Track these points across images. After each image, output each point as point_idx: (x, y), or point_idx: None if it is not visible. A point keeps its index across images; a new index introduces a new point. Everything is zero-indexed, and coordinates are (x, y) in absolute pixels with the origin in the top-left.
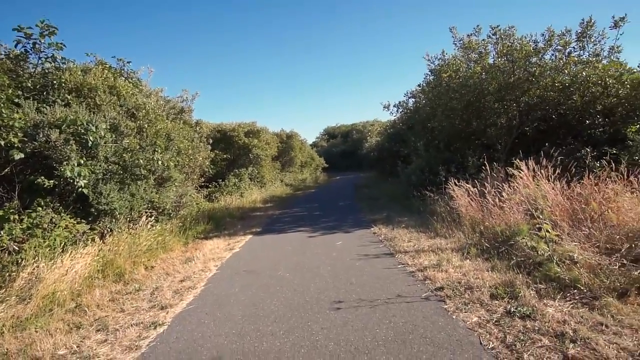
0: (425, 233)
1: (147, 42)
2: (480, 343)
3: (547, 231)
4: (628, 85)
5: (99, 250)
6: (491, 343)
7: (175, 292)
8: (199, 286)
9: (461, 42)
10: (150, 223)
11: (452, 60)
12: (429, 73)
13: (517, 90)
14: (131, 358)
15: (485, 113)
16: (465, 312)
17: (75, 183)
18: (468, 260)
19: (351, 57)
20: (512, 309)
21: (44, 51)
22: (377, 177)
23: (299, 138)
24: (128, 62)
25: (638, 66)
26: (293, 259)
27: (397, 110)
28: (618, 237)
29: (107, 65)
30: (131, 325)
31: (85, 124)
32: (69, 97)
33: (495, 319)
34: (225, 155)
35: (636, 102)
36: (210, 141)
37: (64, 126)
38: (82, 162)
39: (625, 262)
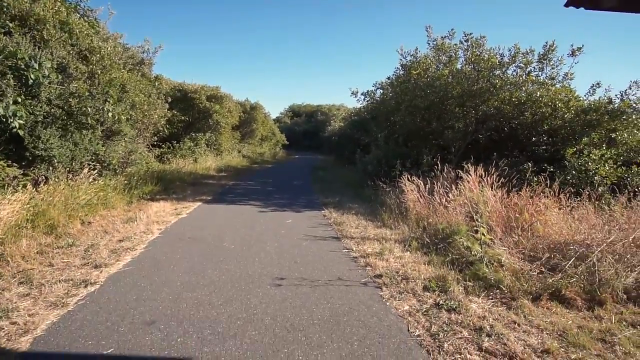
0: (373, 222)
1: None
2: (408, 330)
3: (483, 234)
4: (573, 111)
5: (30, 199)
6: (417, 331)
7: (113, 251)
8: (138, 248)
9: (434, 42)
10: (92, 177)
11: (424, 59)
12: (400, 67)
13: (477, 99)
14: (55, 315)
15: (446, 115)
16: (398, 300)
17: (9, 122)
18: (409, 252)
19: (328, 38)
20: (441, 302)
21: None
22: (335, 162)
23: (262, 111)
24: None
25: (584, 95)
26: (241, 231)
27: (363, 99)
28: (541, 246)
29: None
30: (59, 282)
31: (27, 58)
32: (10, 24)
33: (424, 309)
34: (183, 117)
35: (577, 127)
36: (169, 100)
37: (0, 57)
38: (19, 100)
39: (543, 269)
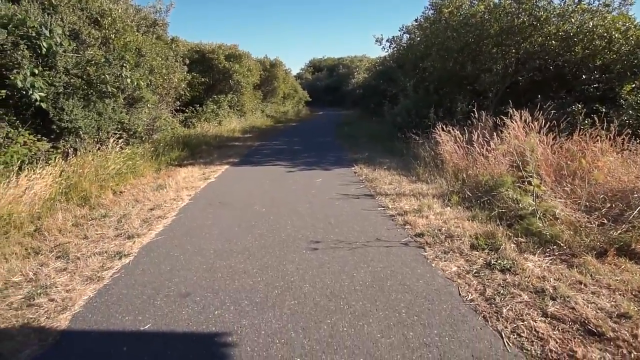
0: (407, 177)
1: None
2: (459, 294)
3: (537, 186)
4: (632, 41)
5: (61, 172)
6: (470, 295)
7: (144, 220)
8: (169, 216)
9: None
10: (119, 146)
11: None
12: (429, 6)
13: (518, 36)
14: (92, 290)
15: (482, 57)
16: (444, 260)
17: (30, 95)
18: (449, 207)
19: None
20: (492, 261)
21: None
22: (360, 115)
23: (283, 68)
24: None
25: None
26: (270, 193)
27: (389, 46)
28: (601, 196)
29: None
30: (94, 254)
31: (37, 26)
32: None
33: (474, 270)
34: (203, 79)
35: (636, 60)
36: (187, 62)
37: (10, 26)
38: (36, 72)
39: (605, 221)
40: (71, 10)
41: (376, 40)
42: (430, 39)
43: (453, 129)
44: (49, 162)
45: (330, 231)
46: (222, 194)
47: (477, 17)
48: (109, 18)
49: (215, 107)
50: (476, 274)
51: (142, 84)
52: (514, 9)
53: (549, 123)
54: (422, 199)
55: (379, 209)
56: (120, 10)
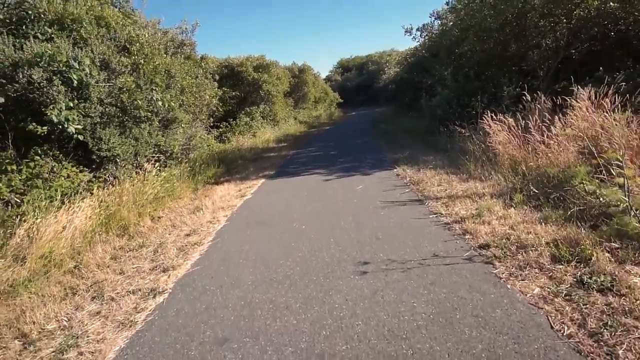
0: (456, 175)
1: None
2: (551, 327)
3: (631, 178)
4: None
5: (100, 202)
6: (566, 328)
7: (180, 249)
8: (205, 241)
9: None
10: (157, 169)
11: None
12: None
13: (569, 3)
14: (124, 338)
15: (527, 33)
16: (522, 279)
17: (66, 128)
18: (513, 208)
19: None
20: (585, 278)
21: None
22: (395, 112)
23: (311, 72)
24: None
25: None
26: (309, 206)
27: (420, 35)
28: None
29: None
30: (129, 293)
31: (66, 59)
32: (49, 30)
33: (564, 292)
34: (234, 93)
35: None
36: (217, 77)
37: (42, 63)
38: (71, 105)
39: None
40: (100, 41)
41: (406, 31)
42: (465, 21)
43: (503, 116)
44: (91, 192)
45: (379, 248)
46: (259, 212)
47: None
48: (137, 44)
49: (248, 119)
50: (568, 297)
51: (174, 104)
52: None
53: (620, 98)
54: (479, 200)
55: (431, 216)
56: (147, 35)
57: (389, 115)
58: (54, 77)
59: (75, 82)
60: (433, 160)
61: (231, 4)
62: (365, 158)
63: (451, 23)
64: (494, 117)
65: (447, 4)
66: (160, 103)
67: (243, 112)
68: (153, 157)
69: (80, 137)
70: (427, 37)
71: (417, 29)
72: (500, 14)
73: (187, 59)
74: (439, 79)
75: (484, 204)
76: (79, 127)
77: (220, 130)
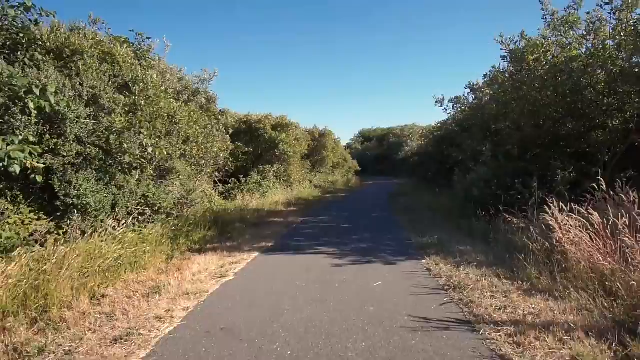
0: (512, 281)
1: (169, 20)
2: None
3: None
4: None
5: (22, 267)
6: None
7: None
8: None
9: (553, 17)
10: (138, 224)
11: (540, 40)
12: (507, 56)
13: None
14: None
15: (589, 110)
16: None
17: (8, 166)
18: None
19: (391, 57)
20: None
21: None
22: (416, 185)
23: (332, 137)
24: (147, 38)
25: None
26: (306, 311)
27: (452, 107)
28: None
29: (122, 39)
30: None
31: (27, 84)
32: (40, 57)
33: None
34: (247, 149)
35: None
36: (230, 131)
37: None
38: (31, 138)
39: None
40: (96, 75)
41: (436, 101)
42: (509, 94)
43: (582, 208)
44: (45, 245)
45: None
46: (233, 310)
47: (578, 62)
48: (141, 83)
49: (259, 177)
50: None
51: (166, 152)
52: (631, 47)
53: None
54: (566, 337)
55: None
56: (154, 76)
57: (410, 188)
58: (11, 104)
59: (34, 111)
60: (472, 253)
61: (258, 62)
62: (384, 238)
63: (487, 97)
64: (559, 206)
65: (485, 76)
66: (150, 149)
67: (255, 169)
68: (137, 209)
69: (39, 179)
70: (459, 109)
71: (449, 100)
72: (556, 87)
73: (204, 109)
74: (472, 154)
75: (580, 349)
76: (40, 165)
77: (229, 186)
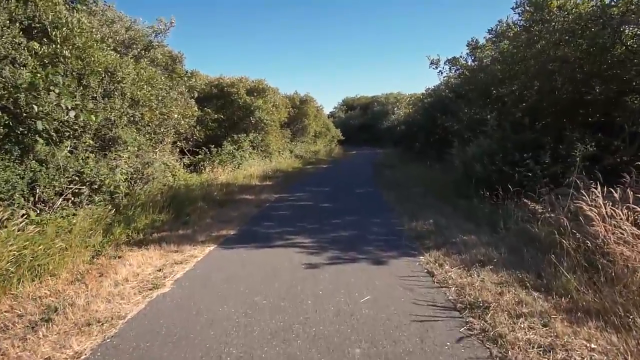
0: (543, 292)
1: None
2: None
3: None
4: None
5: None
6: None
7: None
8: None
9: None
10: (70, 207)
11: None
12: (523, 3)
13: None
14: None
15: (623, 71)
16: None
17: None
18: None
19: (376, 24)
20: None
21: None
22: (403, 156)
23: (314, 104)
24: None
25: None
26: (262, 347)
27: (449, 69)
28: None
29: None
30: None
31: None
32: None
33: None
34: (217, 116)
35: None
36: (195, 95)
37: None
38: None
39: None
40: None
41: (431, 63)
42: (521, 51)
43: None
44: None
45: None
46: (156, 344)
47: (619, 7)
48: (64, 29)
49: (233, 147)
50: None
51: (101, 118)
52: None
53: None
54: None
55: None
56: (84, 21)
57: (396, 159)
58: None
59: None
60: (479, 245)
61: (236, 24)
62: (371, 223)
63: (489, 59)
64: (595, 190)
65: (490, 31)
66: (72, 113)
67: (229, 139)
68: (70, 189)
69: None
70: (457, 73)
71: (446, 62)
72: (584, 40)
73: (167, 70)
74: (469, 123)
75: None
76: None
77: (199, 157)
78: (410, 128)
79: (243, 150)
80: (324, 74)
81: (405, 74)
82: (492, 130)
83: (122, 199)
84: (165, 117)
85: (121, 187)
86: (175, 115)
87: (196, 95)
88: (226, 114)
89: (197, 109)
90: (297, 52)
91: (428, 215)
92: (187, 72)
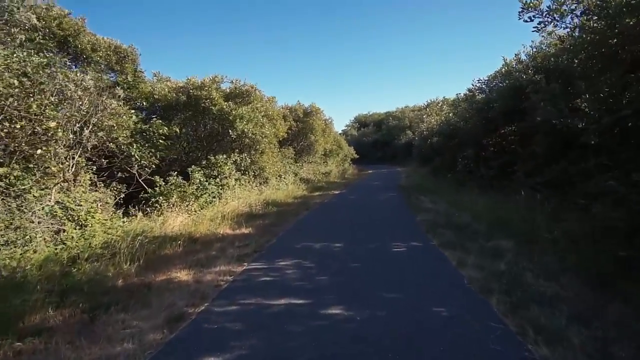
0: None
1: None
2: None
3: None
4: None
5: None
6: None
7: None
8: None
9: None
10: None
11: None
12: None
13: None
14: None
15: None
16: None
17: None
18: None
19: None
20: None
21: None
22: (435, 177)
23: (321, 116)
24: None
25: None
26: None
27: (563, 14)
28: None
29: None
30: None
31: None
32: None
33: None
34: (174, 129)
35: None
36: (144, 103)
37: None
38: None
39: None
40: None
41: (523, 9)
42: None
43: None
44: None
45: None
46: None
47: None
48: None
49: (201, 176)
50: None
51: None
52: None
53: None
54: None
55: None
56: None
57: (428, 181)
58: None
59: None
60: None
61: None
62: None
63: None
64: None
65: None
66: None
67: (202, 162)
68: None
69: None
70: (586, 16)
71: (547, 10)
72: None
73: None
74: (606, 125)
75: None
76: None
77: (150, 192)
78: (449, 139)
79: (225, 177)
80: (335, 94)
81: (415, 89)
82: None
83: None
84: (37, 131)
85: None
86: (87, 132)
87: (145, 104)
88: (196, 127)
89: (136, 120)
90: (307, 70)
91: (559, 322)
92: (136, 70)
